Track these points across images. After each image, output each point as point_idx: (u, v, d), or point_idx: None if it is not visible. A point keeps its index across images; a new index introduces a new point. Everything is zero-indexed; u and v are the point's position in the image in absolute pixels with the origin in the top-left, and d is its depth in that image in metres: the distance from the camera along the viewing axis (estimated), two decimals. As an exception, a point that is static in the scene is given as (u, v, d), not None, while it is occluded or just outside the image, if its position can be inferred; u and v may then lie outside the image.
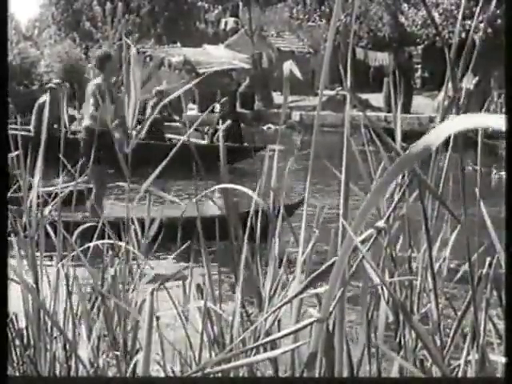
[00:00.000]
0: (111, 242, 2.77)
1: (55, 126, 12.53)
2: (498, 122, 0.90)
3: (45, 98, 12.33)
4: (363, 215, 1.14)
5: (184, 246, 3.03)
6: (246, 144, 13.73)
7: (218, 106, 14.35)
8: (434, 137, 0.95)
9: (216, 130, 13.86)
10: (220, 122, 14.01)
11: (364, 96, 24.74)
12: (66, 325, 2.63)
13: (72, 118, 19.03)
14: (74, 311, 2.64)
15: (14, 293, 2.33)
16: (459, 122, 0.94)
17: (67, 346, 2.55)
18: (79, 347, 2.55)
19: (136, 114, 2.44)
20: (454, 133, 0.95)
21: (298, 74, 1.96)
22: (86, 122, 8.05)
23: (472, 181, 1.96)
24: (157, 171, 2.45)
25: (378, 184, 1.10)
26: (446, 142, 2.21)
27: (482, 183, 2.08)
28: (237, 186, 2.23)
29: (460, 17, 2.12)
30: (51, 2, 35.62)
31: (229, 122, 13.67)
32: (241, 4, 34.53)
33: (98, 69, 8.17)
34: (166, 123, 14.41)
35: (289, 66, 1.96)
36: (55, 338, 2.59)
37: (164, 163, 2.47)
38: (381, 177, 2.24)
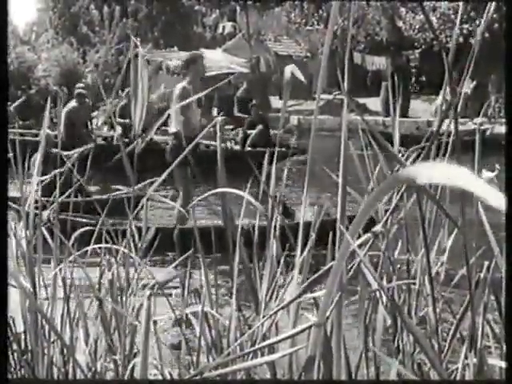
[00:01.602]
0: (109, 246, 2.77)
1: (83, 130, 12.46)
2: (491, 196, 0.86)
3: (74, 103, 12.18)
4: (359, 223, 1.15)
5: (186, 255, 3.02)
6: (280, 149, 13.49)
7: (215, 110, 14.15)
8: (422, 173, 0.91)
9: (246, 135, 13.59)
10: (218, 124, 13.88)
11: (362, 100, 24.75)
12: (64, 329, 2.63)
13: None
14: (72, 315, 2.63)
15: (12, 297, 2.32)
16: (428, 174, 0.90)
17: (65, 351, 2.54)
18: (77, 351, 2.54)
19: (143, 117, 2.43)
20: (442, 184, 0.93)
21: (301, 77, 1.97)
22: (174, 127, 7.53)
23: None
24: (163, 177, 2.44)
25: (364, 205, 1.11)
26: (445, 147, 2.21)
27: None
28: (234, 190, 2.23)
29: (458, 21, 2.13)
30: (48, 6, 35.56)
31: (260, 127, 13.43)
32: (238, 8, 34.56)
33: (185, 70, 7.80)
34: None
35: (291, 69, 1.95)
36: (53, 342, 2.59)
37: (170, 170, 2.46)
38: (378, 181, 2.25)
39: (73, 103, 12.26)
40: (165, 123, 12.77)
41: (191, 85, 7.46)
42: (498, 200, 0.82)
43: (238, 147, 13.47)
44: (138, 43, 2.63)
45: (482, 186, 0.83)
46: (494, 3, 2.02)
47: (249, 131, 13.64)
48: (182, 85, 7.56)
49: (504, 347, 1.93)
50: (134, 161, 2.39)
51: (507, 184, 1.43)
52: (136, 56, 2.64)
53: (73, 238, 2.81)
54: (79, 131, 12.11)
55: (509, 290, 1.52)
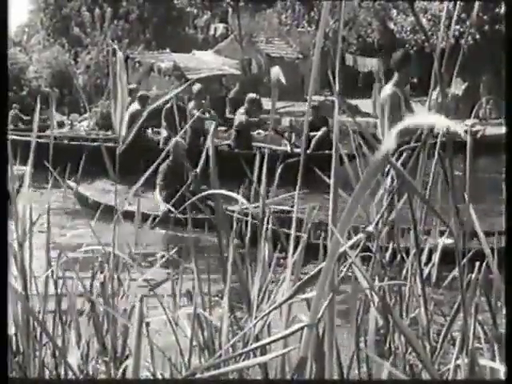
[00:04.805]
0: (100, 247, 2.77)
1: (144, 133, 12.22)
2: (439, 121, 0.94)
3: (137, 106, 11.86)
4: (347, 221, 1.15)
5: (173, 252, 3.03)
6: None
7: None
8: (389, 140, 0.98)
9: (308, 138, 13.05)
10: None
11: (353, 102, 24.80)
12: (55, 331, 2.62)
13: (61, 124, 19.00)
14: (63, 317, 2.63)
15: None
16: (406, 123, 0.98)
17: (56, 353, 2.54)
18: (68, 353, 2.54)
19: (123, 119, 2.43)
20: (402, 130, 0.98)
21: (282, 79, 1.97)
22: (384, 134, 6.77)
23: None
24: (145, 175, 2.44)
25: (355, 193, 1.11)
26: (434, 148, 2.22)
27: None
28: (227, 192, 2.24)
29: (442, 24, 2.14)
30: (40, 8, 35.51)
31: (324, 129, 12.97)
32: (230, 10, 34.57)
33: (396, 70, 6.94)
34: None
35: (276, 71, 1.96)
36: (44, 344, 2.58)
37: (152, 169, 2.45)
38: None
39: (135, 106, 11.91)
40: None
41: (398, 86, 6.76)
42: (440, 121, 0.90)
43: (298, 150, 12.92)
44: (117, 48, 2.63)
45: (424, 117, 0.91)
46: (478, 4, 2.03)
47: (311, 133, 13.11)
48: (391, 88, 6.79)
49: (495, 347, 1.94)
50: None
51: (507, 186, 1.44)
52: (127, 58, 2.64)
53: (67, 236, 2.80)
54: (138, 133, 11.69)
55: (508, 291, 1.52)
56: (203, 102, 13.24)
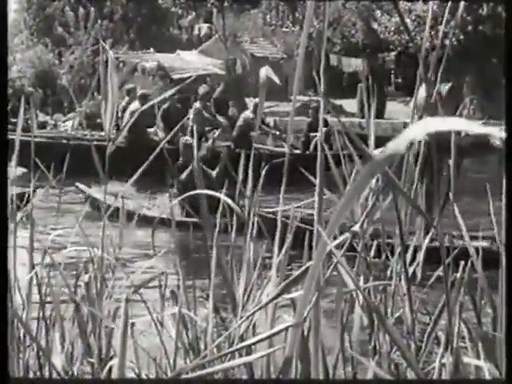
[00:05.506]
0: (85, 248, 2.76)
1: (145, 133, 12.10)
2: (459, 124, 0.90)
3: (137, 105, 11.74)
4: (337, 221, 1.15)
5: (163, 251, 3.02)
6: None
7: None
8: (401, 141, 0.93)
9: (307, 138, 13.06)
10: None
11: (338, 102, 24.82)
12: (39, 333, 2.61)
13: (44, 124, 18.87)
14: (47, 319, 2.61)
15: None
16: (423, 127, 0.93)
17: (40, 354, 2.52)
18: (53, 355, 2.52)
19: (113, 118, 2.42)
20: (419, 137, 0.93)
21: (275, 79, 1.97)
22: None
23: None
24: (134, 177, 2.43)
25: (349, 190, 1.10)
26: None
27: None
28: (212, 192, 2.24)
29: (428, 24, 2.14)
30: (23, 8, 35.32)
31: (324, 130, 12.85)
32: (215, 10, 34.52)
33: None
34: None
35: (265, 71, 1.96)
36: (28, 346, 2.56)
37: (142, 169, 2.45)
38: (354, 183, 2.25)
39: (136, 105, 11.82)
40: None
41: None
42: (460, 124, 0.86)
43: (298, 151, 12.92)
44: (107, 46, 2.62)
45: (445, 121, 0.86)
46: (463, 5, 2.04)
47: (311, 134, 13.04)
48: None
49: (479, 346, 1.95)
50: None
51: (507, 187, 1.45)
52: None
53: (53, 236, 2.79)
54: (141, 133, 11.60)
55: (509, 291, 1.53)
56: (208, 104, 13.28)
